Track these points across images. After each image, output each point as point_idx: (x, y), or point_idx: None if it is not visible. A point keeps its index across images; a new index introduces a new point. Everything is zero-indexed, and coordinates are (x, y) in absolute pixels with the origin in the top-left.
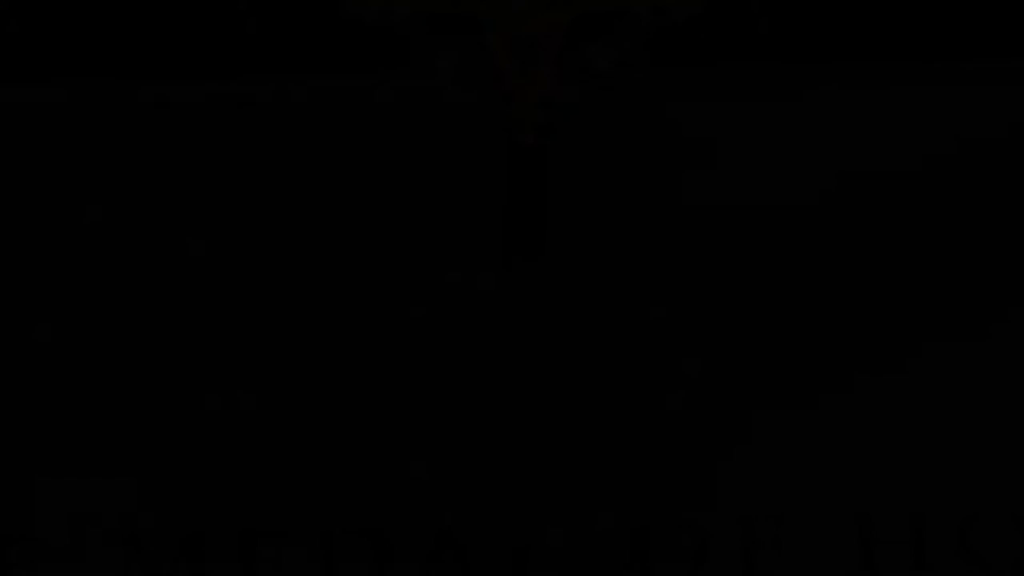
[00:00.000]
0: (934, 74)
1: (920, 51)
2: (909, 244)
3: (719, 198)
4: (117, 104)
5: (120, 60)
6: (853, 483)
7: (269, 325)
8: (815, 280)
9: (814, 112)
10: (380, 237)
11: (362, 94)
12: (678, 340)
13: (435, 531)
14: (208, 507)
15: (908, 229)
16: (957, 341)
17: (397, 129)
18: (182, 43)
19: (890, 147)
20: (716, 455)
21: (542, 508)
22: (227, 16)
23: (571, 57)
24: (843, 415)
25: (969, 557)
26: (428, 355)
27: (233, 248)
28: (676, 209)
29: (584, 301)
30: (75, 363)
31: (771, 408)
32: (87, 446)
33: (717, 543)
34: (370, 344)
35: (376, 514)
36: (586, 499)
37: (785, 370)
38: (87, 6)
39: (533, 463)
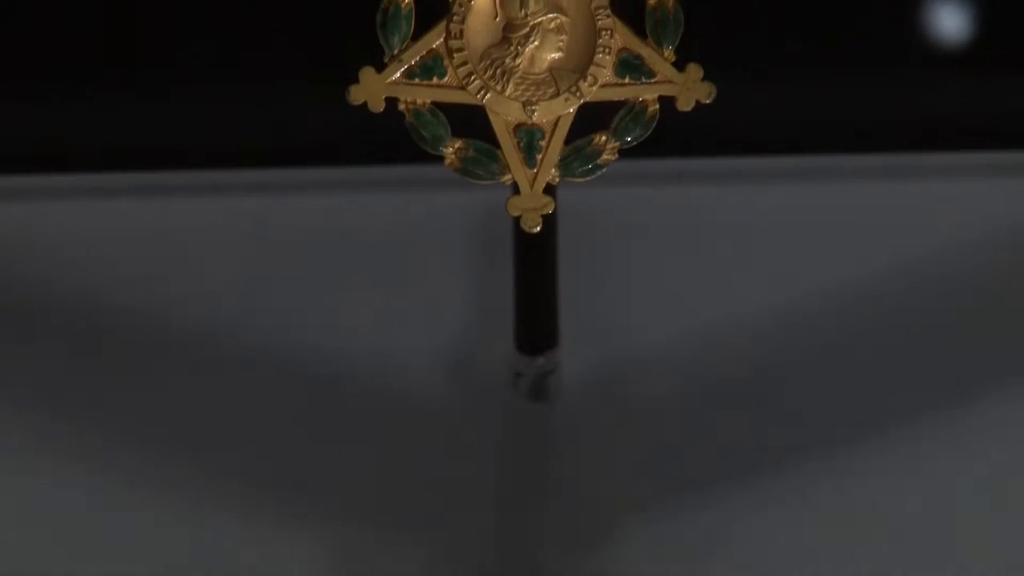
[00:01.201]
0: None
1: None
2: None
3: (725, 287)
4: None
5: None
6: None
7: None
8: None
9: (829, 201)
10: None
11: (367, 181)
12: None
13: None
14: None
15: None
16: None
17: (402, 217)
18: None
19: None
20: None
21: None
22: None
23: (578, 146)
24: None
25: None
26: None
27: None
28: (677, 299)
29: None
30: None
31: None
32: None
33: None
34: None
35: None
36: None
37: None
38: None
39: None
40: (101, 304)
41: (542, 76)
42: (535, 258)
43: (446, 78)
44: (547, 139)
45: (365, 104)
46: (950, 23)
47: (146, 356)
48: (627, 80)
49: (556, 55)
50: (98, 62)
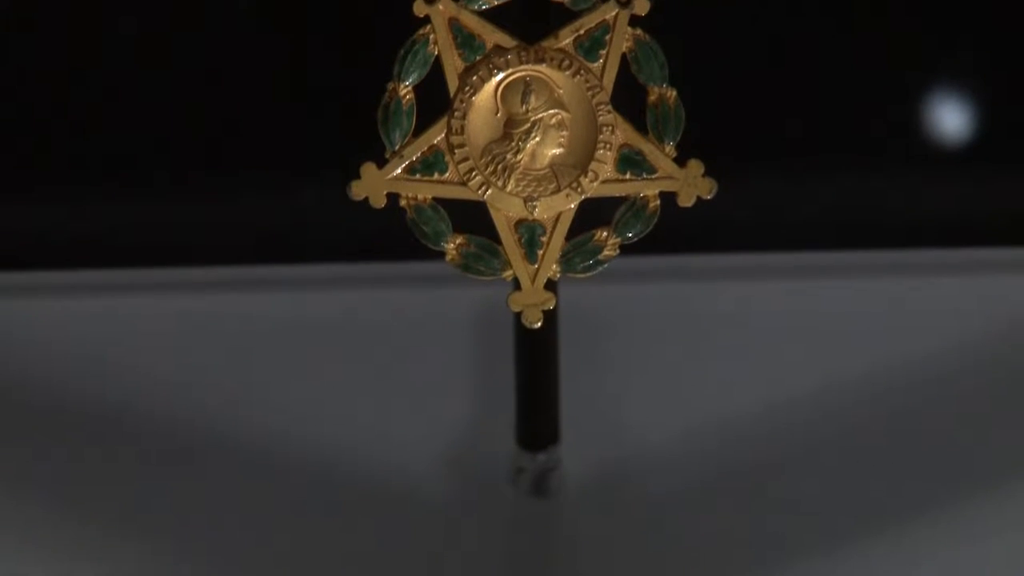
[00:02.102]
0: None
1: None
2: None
3: (725, 383)
4: None
5: None
6: None
7: None
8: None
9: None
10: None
11: (368, 278)
12: None
13: None
14: None
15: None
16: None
17: (404, 313)
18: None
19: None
20: None
21: None
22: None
23: (579, 241)
24: None
25: None
26: None
27: None
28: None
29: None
30: None
31: None
32: None
33: None
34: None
35: None
36: None
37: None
38: None
39: None
40: (101, 400)
41: (543, 172)
42: (536, 354)
43: (447, 174)
44: (548, 235)
45: (366, 200)
46: (949, 121)
47: (144, 450)
48: (628, 176)
49: (557, 151)
50: (97, 159)
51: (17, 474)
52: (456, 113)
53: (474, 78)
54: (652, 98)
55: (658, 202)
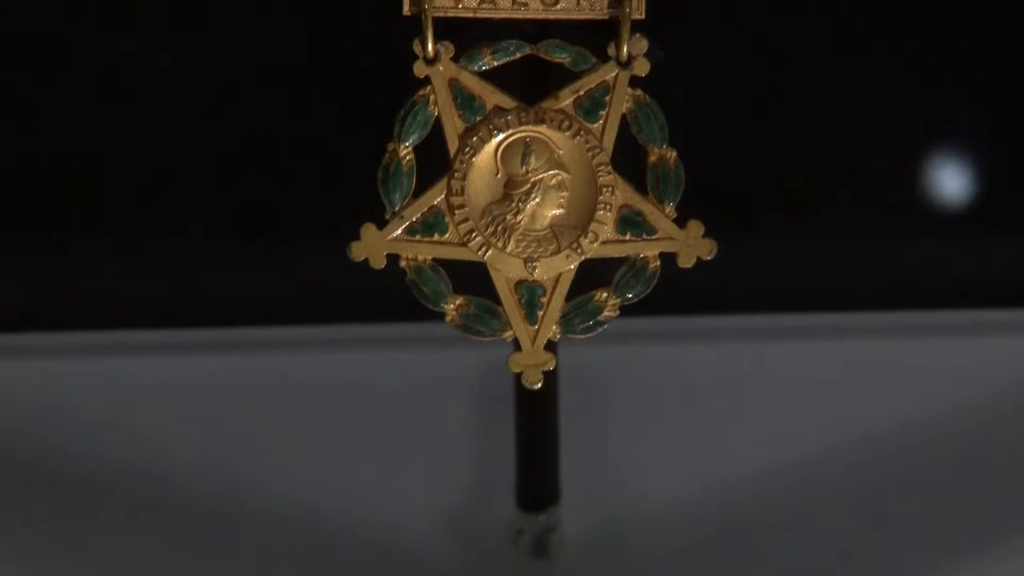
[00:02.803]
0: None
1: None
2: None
3: (724, 444)
4: None
5: None
6: None
7: None
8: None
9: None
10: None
11: (367, 339)
12: None
13: None
14: None
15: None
16: None
17: (403, 374)
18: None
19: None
20: None
21: None
22: None
23: (579, 302)
24: None
25: None
26: None
27: None
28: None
29: None
30: None
31: None
32: None
33: None
34: None
35: None
36: None
37: None
38: None
39: None
40: (101, 462)
41: (543, 233)
42: (536, 414)
43: (447, 234)
44: (548, 295)
45: (366, 260)
46: (949, 184)
47: (146, 514)
48: (628, 236)
49: (557, 212)
50: (94, 221)
51: (4, 534)
52: (456, 174)
53: (474, 139)
54: (652, 159)
55: (658, 263)
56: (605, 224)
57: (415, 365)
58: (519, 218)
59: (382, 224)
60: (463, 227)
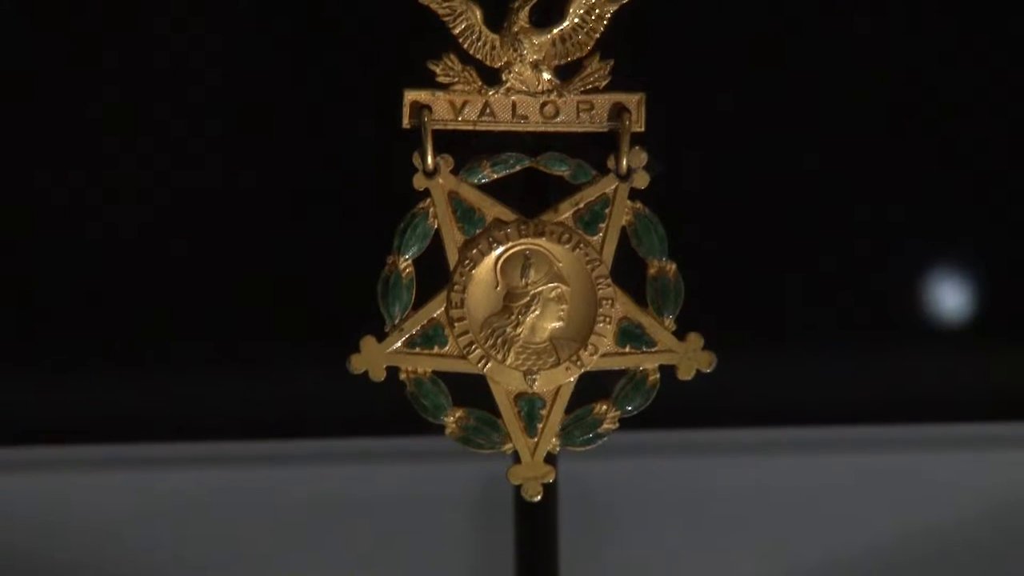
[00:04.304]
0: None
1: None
2: None
3: (724, 558)
4: None
5: None
6: None
7: None
8: None
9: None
10: None
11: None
12: None
13: None
14: None
15: None
16: None
17: (403, 487)
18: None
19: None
20: None
21: None
22: None
23: (579, 415)
24: None
25: None
26: None
27: None
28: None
29: None
30: None
31: None
32: None
33: None
34: None
35: None
36: None
37: None
38: None
39: None
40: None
41: (543, 345)
42: (535, 527)
43: (447, 347)
44: (548, 408)
45: (366, 373)
46: (949, 298)
47: None
48: (628, 349)
49: (557, 324)
50: (95, 333)
51: None
52: (456, 287)
53: (474, 251)
54: (652, 271)
55: (658, 375)
56: (605, 336)
57: (414, 478)
58: (519, 331)
59: (382, 337)
60: (463, 340)
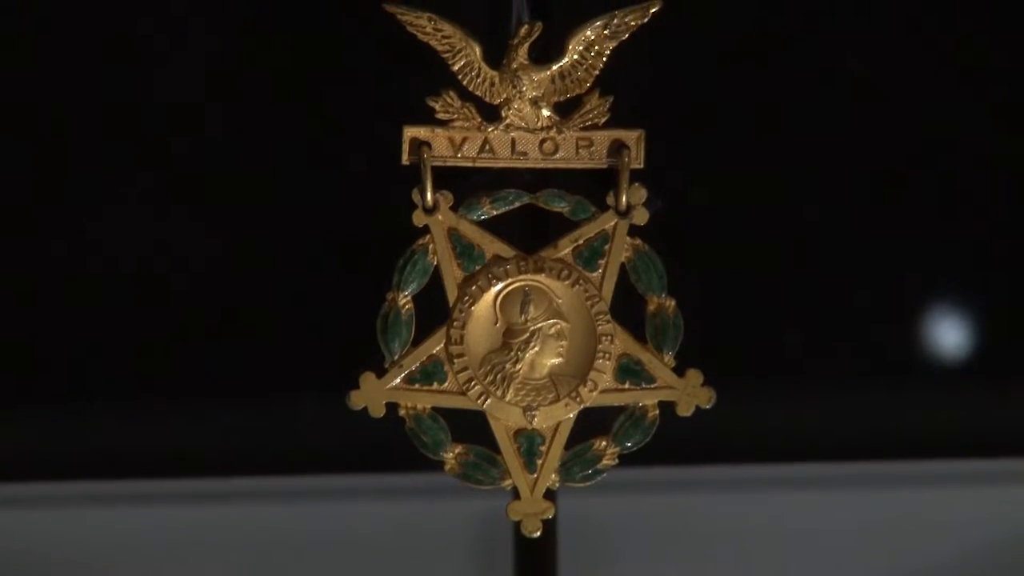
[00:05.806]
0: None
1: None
2: None
3: None
4: None
5: None
6: None
7: None
8: None
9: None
10: None
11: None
12: None
13: None
14: None
15: None
16: None
17: (402, 523)
18: None
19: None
20: None
21: None
22: None
23: (578, 451)
24: None
25: None
26: None
27: None
28: None
29: None
30: None
31: None
32: None
33: None
34: None
35: None
36: None
37: None
38: None
39: None
40: None
41: (542, 381)
42: (535, 563)
43: (446, 383)
44: (547, 444)
45: (365, 409)
46: (949, 335)
47: None
48: (627, 385)
49: (556, 360)
50: (92, 371)
51: None
52: (455, 323)
53: (473, 288)
54: (651, 308)
55: (657, 411)
56: (604, 373)
57: (414, 514)
58: (518, 367)
59: (381, 373)
60: (462, 376)
